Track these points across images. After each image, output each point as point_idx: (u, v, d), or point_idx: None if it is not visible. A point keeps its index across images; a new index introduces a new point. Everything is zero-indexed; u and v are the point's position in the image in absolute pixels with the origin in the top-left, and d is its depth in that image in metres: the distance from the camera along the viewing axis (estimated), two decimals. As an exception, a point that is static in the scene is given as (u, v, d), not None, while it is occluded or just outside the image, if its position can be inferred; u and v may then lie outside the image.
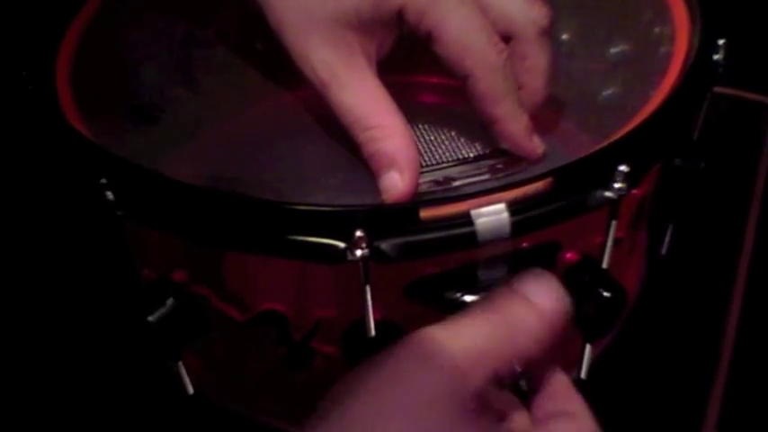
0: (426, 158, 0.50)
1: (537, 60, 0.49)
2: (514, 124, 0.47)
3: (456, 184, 0.48)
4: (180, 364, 0.49)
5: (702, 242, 0.63)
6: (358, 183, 0.48)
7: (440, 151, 0.51)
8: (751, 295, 0.60)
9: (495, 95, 0.46)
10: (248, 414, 0.53)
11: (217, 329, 0.48)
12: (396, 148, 0.45)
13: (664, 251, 0.59)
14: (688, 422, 0.54)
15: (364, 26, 0.46)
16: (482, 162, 0.50)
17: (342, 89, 0.46)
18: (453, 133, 0.52)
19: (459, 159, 0.50)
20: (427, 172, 0.49)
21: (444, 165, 0.50)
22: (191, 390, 0.51)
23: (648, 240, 0.57)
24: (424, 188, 0.48)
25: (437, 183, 0.48)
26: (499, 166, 0.49)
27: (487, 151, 0.50)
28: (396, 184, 0.45)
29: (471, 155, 0.50)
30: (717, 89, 0.50)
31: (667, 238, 0.58)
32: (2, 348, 0.58)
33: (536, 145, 0.49)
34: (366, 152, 0.46)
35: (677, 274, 0.60)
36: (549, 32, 0.49)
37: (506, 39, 0.48)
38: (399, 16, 0.46)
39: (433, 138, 0.52)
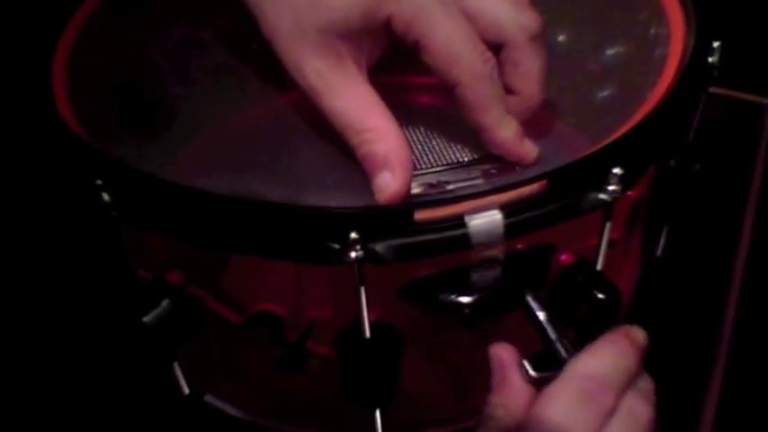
0: (421, 162, 0.50)
1: (530, 66, 0.49)
2: (503, 131, 0.48)
3: (450, 187, 0.48)
4: (175, 364, 0.50)
5: (698, 244, 0.63)
6: (353, 183, 0.48)
7: (434, 155, 0.51)
8: (747, 297, 0.60)
9: (482, 104, 0.47)
10: (243, 414, 0.53)
11: (212, 330, 0.48)
12: (388, 149, 0.46)
13: (658, 253, 0.59)
14: (684, 424, 0.54)
15: (353, 35, 0.46)
16: (476, 166, 0.50)
17: (334, 96, 0.47)
18: (448, 137, 0.52)
19: (453, 163, 0.50)
20: (421, 175, 0.49)
21: (439, 168, 0.50)
22: (186, 390, 0.51)
23: (643, 242, 0.57)
24: (418, 191, 0.48)
25: (431, 186, 0.48)
26: (493, 171, 0.49)
27: (482, 156, 0.50)
28: (388, 183, 0.46)
29: (466, 159, 0.51)
30: (712, 90, 0.50)
31: (662, 240, 0.58)
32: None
33: (528, 150, 0.49)
34: (359, 155, 0.47)
35: (672, 275, 0.60)
36: (541, 37, 0.49)
37: (498, 46, 0.48)
38: (387, 26, 0.46)
39: (427, 141, 0.52)
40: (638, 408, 0.41)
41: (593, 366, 0.41)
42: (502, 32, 0.48)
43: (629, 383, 0.42)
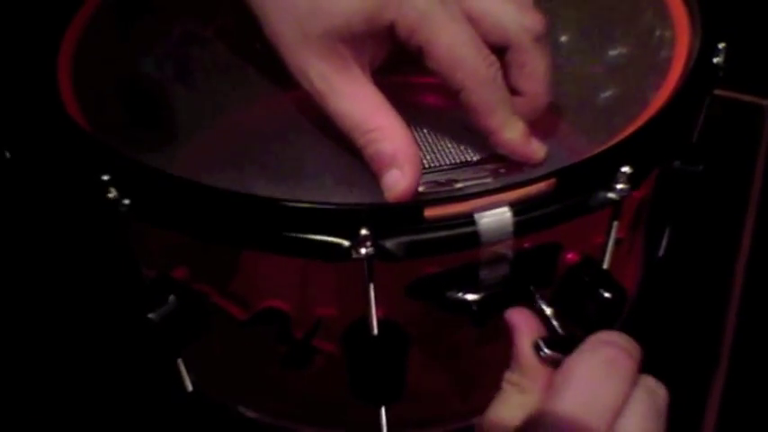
0: (430, 161, 0.51)
1: (535, 67, 0.49)
2: (509, 133, 0.48)
3: (459, 185, 0.49)
4: (179, 361, 0.50)
5: (699, 244, 0.63)
6: (358, 180, 0.48)
7: (442, 154, 0.51)
8: (748, 298, 0.60)
9: (487, 107, 0.47)
10: (247, 411, 0.53)
11: (218, 327, 0.48)
12: (396, 147, 0.46)
13: (661, 253, 0.59)
14: (686, 424, 0.54)
15: (356, 39, 0.47)
16: (485, 165, 0.50)
17: (339, 98, 0.47)
18: (456, 136, 0.52)
19: (462, 162, 0.50)
20: (430, 173, 0.49)
21: (447, 167, 0.50)
22: (190, 387, 0.51)
23: (646, 242, 0.58)
24: (426, 189, 0.48)
25: (440, 184, 0.49)
26: (501, 170, 0.50)
27: (490, 154, 0.51)
28: (398, 181, 0.46)
29: (474, 158, 0.51)
30: (714, 91, 0.50)
31: (665, 240, 0.58)
32: (2, 345, 0.58)
33: (535, 150, 0.49)
34: (367, 154, 0.47)
35: (674, 276, 0.60)
36: (545, 38, 0.49)
37: (503, 48, 0.48)
38: (390, 31, 0.46)
39: (435, 141, 0.52)
40: (653, 384, 0.40)
41: (614, 336, 0.40)
42: (506, 35, 0.48)
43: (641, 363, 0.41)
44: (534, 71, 0.49)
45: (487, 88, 0.47)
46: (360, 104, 0.47)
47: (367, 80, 0.48)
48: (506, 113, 0.48)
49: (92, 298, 0.59)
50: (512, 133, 0.48)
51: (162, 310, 0.44)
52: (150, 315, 0.44)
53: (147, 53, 0.58)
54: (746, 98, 0.76)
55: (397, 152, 0.46)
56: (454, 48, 0.46)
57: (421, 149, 0.51)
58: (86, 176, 0.43)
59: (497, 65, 0.47)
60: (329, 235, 0.39)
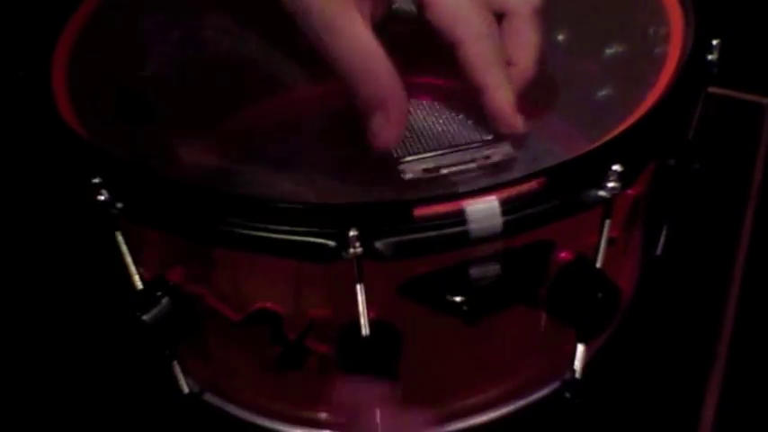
0: (416, 146, 0.51)
1: (529, 37, 0.51)
2: (501, 93, 0.49)
3: (444, 171, 0.49)
4: (174, 363, 0.50)
5: (698, 242, 0.63)
6: (353, 181, 0.48)
7: (429, 140, 0.51)
8: (747, 296, 0.60)
9: (483, 62, 0.48)
10: (243, 413, 0.53)
11: (211, 328, 0.48)
12: (386, 92, 0.47)
13: (658, 251, 0.59)
14: (683, 424, 0.54)
15: None
16: (470, 152, 0.50)
17: (337, 37, 0.47)
18: (443, 123, 0.53)
19: (448, 147, 0.51)
20: (416, 160, 0.50)
21: (433, 153, 0.50)
22: (185, 389, 0.51)
23: (643, 240, 0.57)
24: (411, 175, 0.48)
25: (426, 170, 0.49)
26: (487, 157, 0.50)
27: (476, 142, 0.51)
28: (383, 126, 0.47)
29: (461, 144, 0.51)
30: (712, 89, 0.50)
31: (662, 238, 0.58)
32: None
33: (519, 119, 0.50)
34: (357, 95, 0.48)
35: (672, 274, 0.60)
36: (541, 13, 0.51)
37: (499, 16, 0.50)
38: None
39: (423, 126, 0.53)
40: None
41: None
42: (506, 3, 0.50)
43: None
44: (527, 41, 0.51)
45: (485, 43, 0.48)
46: (356, 45, 0.47)
47: (365, 25, 0.48)
48: (501, 72, 0.49)
49: (85, 299, 0.59)
50: (503, 93, 0.49)
51: (155, 311, 0.45)
52: (144, 317, 0.44)
53: (143, 54, 0.58)
54: (746, 97, 0.76)
55: (387, 97, 0.47)
56: (454, 1, 0.48)
57: (407, 136, 0.51)
58: (78, 178, 0.43)
59: (496, 25, 0.49)
60: (318, 236, 0.39)
